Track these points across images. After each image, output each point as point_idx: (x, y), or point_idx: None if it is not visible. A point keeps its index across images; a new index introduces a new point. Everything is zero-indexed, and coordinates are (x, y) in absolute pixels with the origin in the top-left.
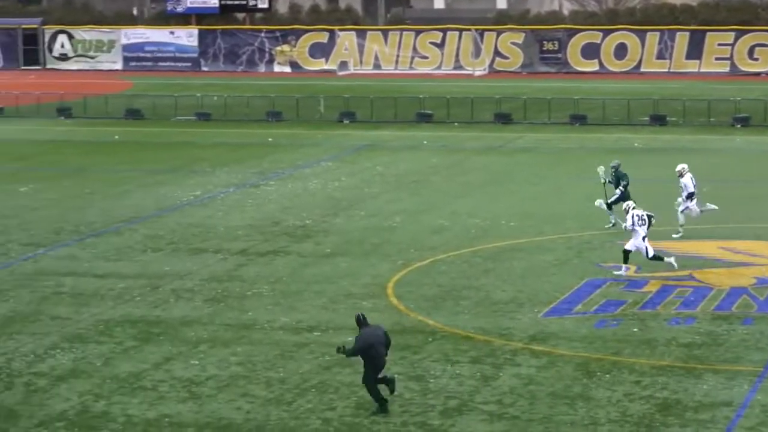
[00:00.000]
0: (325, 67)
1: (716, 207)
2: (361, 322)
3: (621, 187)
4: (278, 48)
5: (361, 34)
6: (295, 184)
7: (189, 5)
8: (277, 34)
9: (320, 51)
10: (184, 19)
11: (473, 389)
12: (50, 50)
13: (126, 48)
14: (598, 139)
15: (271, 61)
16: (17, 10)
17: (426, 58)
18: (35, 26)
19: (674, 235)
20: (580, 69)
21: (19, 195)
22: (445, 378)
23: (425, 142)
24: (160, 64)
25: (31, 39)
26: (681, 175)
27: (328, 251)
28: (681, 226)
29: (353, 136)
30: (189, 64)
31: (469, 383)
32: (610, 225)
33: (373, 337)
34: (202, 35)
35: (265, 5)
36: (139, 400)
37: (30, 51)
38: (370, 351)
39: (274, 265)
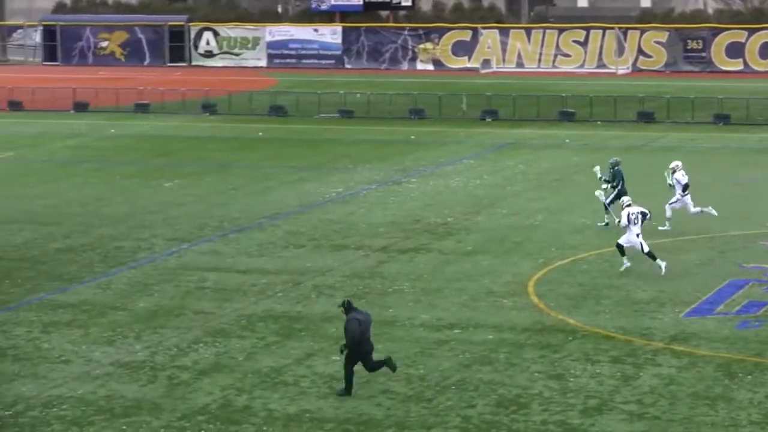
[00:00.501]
0: (468, 65)
1: (716, 213)
2: (348, 308)
3: (617, 186)
4: (421, 46)
5: (504, 33)
6: (437, 181)
7: (333, 3)
8: (420, 32)
9: (463, 49)
10: (328, 16)
11: (613, 389)
12: (196, 47)
13: (270, 45)
14: (741, 139)
15: (414, 59)
16: (164, 7)
17: (569, 56)
18: (181, 23)
19: (660, 227)
20: (724, 68)
21: (163, 190)
22: (585, 377)
23: (567, 140)
24: (304, 61)
25: (177, 36)
26: (674, 172)
27: (469, 249)
28: (668, 219)
29: (495, 134)
30: (332, 61)
31: (609, 383)
32: (604, 224)
33: (365, 325)
34: (345, 33)
35: (409, 3)
36: (280, 395)
37: (176, 48)
38: (362, 338)
39: (415, 263)
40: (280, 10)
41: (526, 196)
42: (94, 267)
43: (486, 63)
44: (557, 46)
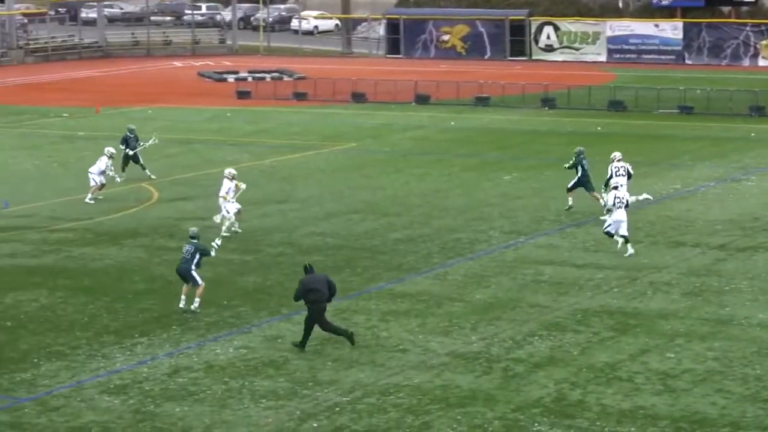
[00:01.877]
0: None
1: (650, 197)
2: (306, 270)
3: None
4: (763, 42)
5: None
6: None
7: None
8: (763, 27)
9: None
10: (669, 12)
11: None
12: (536, 41)
13: (610, 40)
14: None
15: (755, 56)
16: (505, 1)
17: None
18: (522, 18)
19: (603, 217)
20: None
21: (503, 183)
22: None
23: None
24: (644, 56)
25: (518, 30)
26: (612, 161)
27: None
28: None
29: None
30: (673, 57)
31: None
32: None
33: (312, 283)
34: (686, 28)
35: None
36: (614, 391)
37: (516, 42)
38: (309, 295)
39: (754, 261)
40: (620, 4)
41: None
42: (432, 258)
43: None
44: None
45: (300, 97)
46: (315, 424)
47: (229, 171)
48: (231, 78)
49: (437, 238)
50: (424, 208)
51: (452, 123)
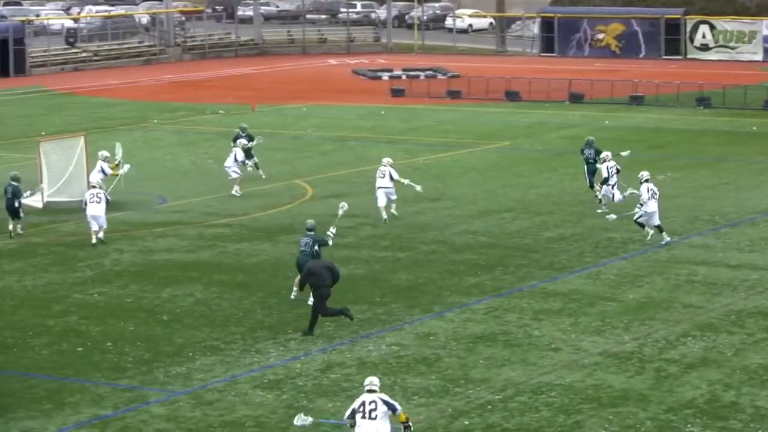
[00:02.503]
0: None
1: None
2: (314, 255)
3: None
4: None
5: None
6: None
7: None
8: None
9: None
10: None
11: None
12: (691, 40)
13: (767, 39)
14: None
15: None
16: (660, 0)
17: None
18: (678, 16)
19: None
20: None
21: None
22: None
23: None
24: None
25: (673, 29)
26: (603, 161)
27: None
28: (603, 204)
29: None
30: None
31: None
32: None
33: (316, 268)
34: None
35: None
36: None
37: (671, 41)
38: (311, 279)
39: None
40: None
41: None
42: (585, 257)
43: None
44: None
45: (453, 95)
46: (466, 422)
47: (387, 159)
48: (385, 76)
49: (590, 237)
50: (576, 207)
51: (606, 122)
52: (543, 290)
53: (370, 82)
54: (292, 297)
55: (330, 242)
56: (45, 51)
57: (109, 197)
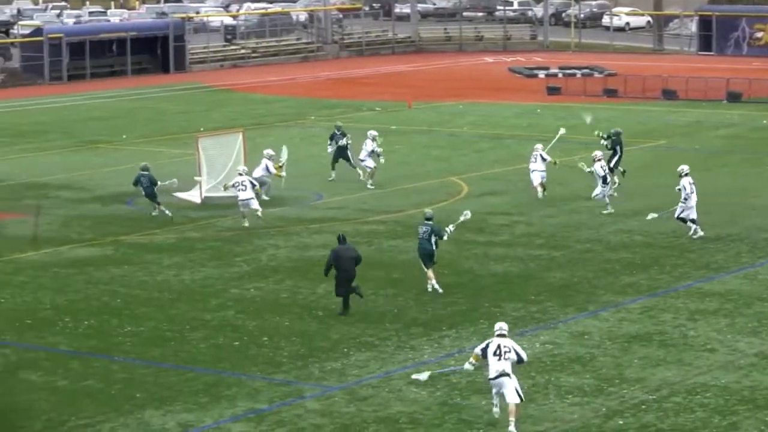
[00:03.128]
0: None
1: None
2: (339, 240)
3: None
4: None
5: None
6: None
7: None
8: None
9: None
10: None
11: None
12: None
13: None
14: None
15: None
16: None
17: None
18: None
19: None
20: None
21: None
22: None
23: None
24: None
25: None
26: (594, 160)
27: None
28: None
29: None
30: None
31: None
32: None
33: (341, 251)
34: None
35: None
36: None
37: None
38: (338, 262)
39: None
40: None
41: None
42: (741, 257)
43: None
44: None
45: (610, 93)
46: (620, 422)
47: (539, 145)
48: (541, 74)
49: (746, 236)
50: (732, 207)
51: (765, 121)
52: (699, 290)
53: (527, 80)
54: (434, 289)
55: (446, 237)
56: (204, 48)
57: (255, 183)
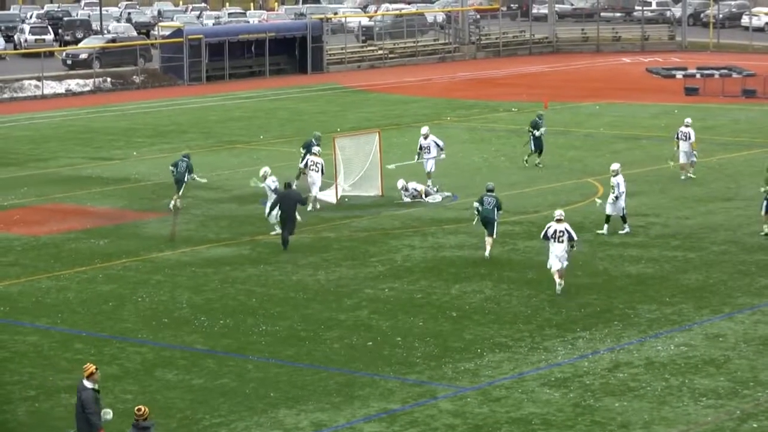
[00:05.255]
0: None
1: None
2: (286, 186)
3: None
4: None
5: None
6: None
7: None
8: None
9: None
10: None
11: None
12: None
13: None
14: None
15: None
16: None
17: None
18: None
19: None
20: None
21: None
22: None
23: None
24: None
25: None
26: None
27: None
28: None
29: None
30: None
31: None
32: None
33: (284, 195)
34: None
35: None
36: None
37: None
38: (281, 204)
39: None
40: None
41: None
42: None
43: None
44: None
45: (749, 94)
46: (755, 425)
47: (688, 120)
48: (679, 74)
49: None
50: None
51: None
52: None
53: (664, 80)
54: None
55: (501, 211)
56: (342, 48)
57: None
